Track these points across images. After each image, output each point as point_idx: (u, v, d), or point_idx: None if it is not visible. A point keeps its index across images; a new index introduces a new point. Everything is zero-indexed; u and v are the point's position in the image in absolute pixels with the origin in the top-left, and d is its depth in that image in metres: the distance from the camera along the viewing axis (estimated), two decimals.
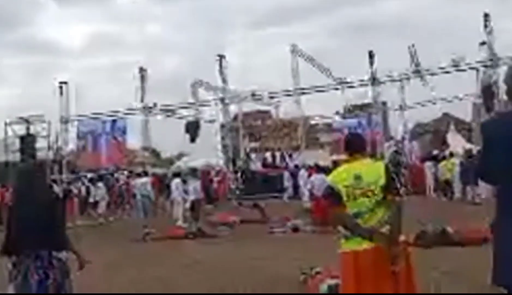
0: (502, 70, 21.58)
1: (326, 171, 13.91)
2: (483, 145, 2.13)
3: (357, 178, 3.50)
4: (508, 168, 1.96)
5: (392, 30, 77.69)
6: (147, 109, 26.91)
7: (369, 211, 3.45)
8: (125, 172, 26.97)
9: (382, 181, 3.48)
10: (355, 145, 3.75)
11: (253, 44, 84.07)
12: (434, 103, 27.06)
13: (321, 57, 26.91)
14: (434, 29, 72.48)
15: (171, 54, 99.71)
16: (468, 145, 22.34)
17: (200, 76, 28.06)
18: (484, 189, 15.49)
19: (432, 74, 24.49)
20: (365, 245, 3.37)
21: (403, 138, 26.11)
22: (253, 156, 29.95)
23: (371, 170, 3.57)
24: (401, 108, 26.14)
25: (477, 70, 23.43)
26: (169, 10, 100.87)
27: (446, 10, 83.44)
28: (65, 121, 28.29)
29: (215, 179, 23.83)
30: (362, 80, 25.69)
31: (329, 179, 3.74)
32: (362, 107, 27.85)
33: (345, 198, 3.49)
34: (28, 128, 28.28)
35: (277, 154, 29.84)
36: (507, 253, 1.94)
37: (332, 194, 3.58)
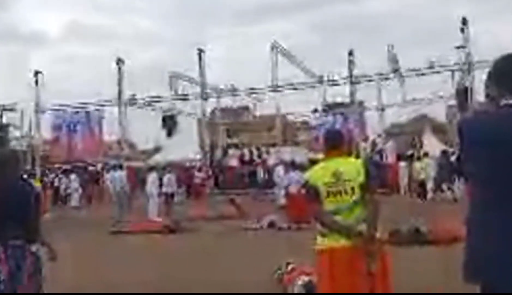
0: (477, 73, 22.05)
1: (302, 167, 14.02)
2: (460, 144, 2.13)
3: (336, 175, 3.49)
4: (483, 168, 1.97)
5: (374, 29, 78.45)
6: (124, 101, 26.56)
7: (347, 208, 3.46)
8: (100, 164, 26.67)
9: (360, 179, 3.49)
10: (333, 142, 3.73)
11: (236, 40, 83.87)
12: (407, 105, 27.47)
13: (303, 55, 27.05)
14: (415, 29, 73.52)
15: (152, 47, 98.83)
16: (443, 147, 22.73)
17: (181, 70, 27.88)
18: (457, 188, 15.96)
19: (409, 75, 24.88)
20: (342, 242, 3.38)
21: (379, 135, 26.50)
22: (230, 151, 29.90)
23: (349, 168, 3.57)
24: (379, 108, 26.47)
25: (453, 72, 23.85)
26: (152, 3, 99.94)
27: (429, 11, 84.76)
28: (39, 111, 27.75)
29: (198, 174, 23.69)
30: (340, 79, 25.91)
31: (307, 175, 3.73)
32: (340, 105, 28.07)
33: (323, 195, 3.48)
34: (1, 117, 27.72)
35: (255, 150, 29.86)
36: (479, 251, 1.96)
37: (309, 190, 3.57)
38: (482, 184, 2.01)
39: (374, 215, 3.47)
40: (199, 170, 24.16)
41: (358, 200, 3.47)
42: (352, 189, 3.47)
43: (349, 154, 3.93)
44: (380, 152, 24.95)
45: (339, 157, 3.64)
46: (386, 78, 25.35)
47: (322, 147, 3.84)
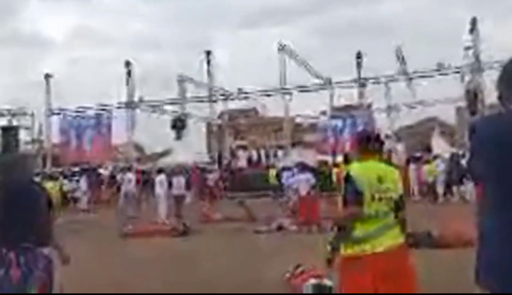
0: (486, 74, 21.93)
1: (311, 170, 14.00)
2: (471, 145, 2.11)
3: (380, 180, 3.31)
4: (495, 170, 1.95)
5: (381, 32, 78.43)
6: (133, 105, 26.70)
7: (381, 215, 3.32)
8: (109, 167, 26.79)
9: (399, 189, 3.40)
10: (376, 144, 3.49)
11: (242, 43, 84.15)
12: (415, 107, 27.35)
13: (310, 58, 27.04)
14: (423, 32, 73.26)
15: (159, 50, 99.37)
16: (452, 149, 22.61)
17: (188, 73, 27.96)
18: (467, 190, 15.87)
19: (419, 77, 24.77)
20: (378, 247, 3.26)
21: (387, 136, 26.37)
22: (239, 153, 29.91)
23: (390, 175, 3.41)
24: (387, 110, 26.38)
25: (462, 74, 23.71)
26: (157, 6, 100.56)
27: (436, 14, 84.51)
28: (49, 114, 27.96)
29: (211, 176, 23.70)
30: (349, 81, 25.87)
31: (352, 172, 3.35)
32: (348, 107, 28.01)
33: (366, 198, 3.27)
34: (11, 120, 27.94)
35: (262, 152, 29.85)
36: (491, 254, 1.94)
37: (352, 190, 3.26)
38: (492, 185, 1.99)
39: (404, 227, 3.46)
40: (211, 171, 24.19)
41: (390, 211, 3.37)
42: (391, 197, 3.34)
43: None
44: (389, 153, 24.78)
45: (379, 160, 3.46)
46: (393, 80, 25.25)
47: (360, 147, 3.50)
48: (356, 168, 3.39)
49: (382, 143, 3.58)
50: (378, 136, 3.69)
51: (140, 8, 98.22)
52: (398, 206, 3.39)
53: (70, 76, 78.90)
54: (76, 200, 22.19)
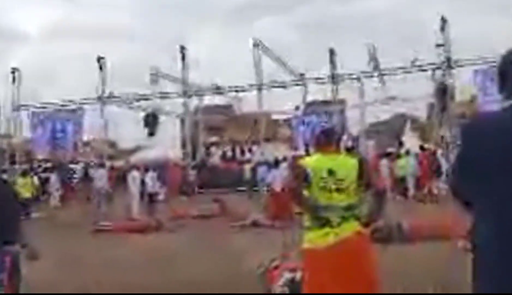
0: (457, 71, 22.48)
1: (288, 165, 14.08)
2: (461, 151, 1.85)
3: (331, 171, 3.44)
4: (505, 185, 1.69)
5: (356, 29, 79.04)
6: (104, 99, 26.27)
7: (337, 206, 3.40)
8: (81, 163, 26.38)
9: (354, 176, 3.48)
10: (330, 138, 3.67)
11: (219, 39, 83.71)
12: (387, 104, 27.70)
13: (288, 54, 27.12)
14: (395, 29, 74.31)
15: (134, 45, 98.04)
16: (424, 145, 23.04)
17: (163, 68, 27.61)
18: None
19: (390, 74, 25.10)
20: (330, 239, 3.33)
21: (359, 136, 26.69)
22: (213, 149, 29.80)
23: (344, 165, 3.54)
24: (360, 106, 26.64)
25: (433, 70, 24.14)
26: (134, 1, 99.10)
27: (409, 11, 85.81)
28: (17, 109, 27.32)
29: (192, 172, 23.63)
30: (321, 78, 26.06)
31: (303, 161, 3.62)
32: (322, 103, 28.18)
33: (314, 188, 3.43)
34: None
35: (238, 148, 29.82)
36: (488, 263, 1.74)
37: (299, 173, 3.47)
38: (484, 192, 1.72)
39: (376, 207, 3.56)
40: (193, 167, 24.19)
41: (353, 199, 3.46)
42: (348, 187, 3.44)
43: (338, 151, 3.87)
44: (354, 149, 25.00)
45: (334, 153, 3.62)
46: (366, 77, 25.53)
47: (317, 142, 3.74)
48: (307, 159, 3.65)
49: (337, 137, 3.81)
50: (332, 130, 3.96)
51: (118, 2, 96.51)
52: (361, 184, 3.50)
53: (45, 70, 77.26)
54: (48, 196, 21.71)
